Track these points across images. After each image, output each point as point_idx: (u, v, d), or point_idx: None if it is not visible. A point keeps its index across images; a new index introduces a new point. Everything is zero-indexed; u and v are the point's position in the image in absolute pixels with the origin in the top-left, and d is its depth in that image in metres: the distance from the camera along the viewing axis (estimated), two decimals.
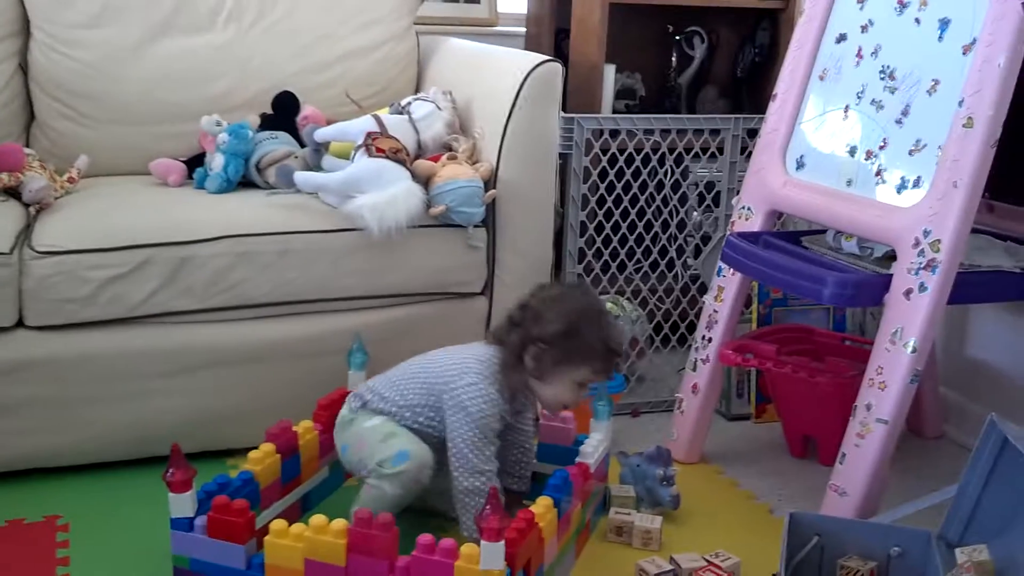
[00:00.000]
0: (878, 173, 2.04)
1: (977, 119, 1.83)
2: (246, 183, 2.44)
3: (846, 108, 2.15)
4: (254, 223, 2.17)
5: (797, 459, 2.41)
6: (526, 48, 3.14)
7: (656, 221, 2.67)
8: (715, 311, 2.32)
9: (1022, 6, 1.79)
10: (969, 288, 1.97)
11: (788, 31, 2.88)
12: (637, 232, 2.63)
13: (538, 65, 2.29)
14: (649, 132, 2.58)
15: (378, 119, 2.35)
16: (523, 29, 3.24)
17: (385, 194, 2.16)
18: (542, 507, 1.74)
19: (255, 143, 2.45)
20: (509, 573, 1.59)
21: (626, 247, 2.62)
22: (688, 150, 2.64)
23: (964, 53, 1.90)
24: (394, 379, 1.92)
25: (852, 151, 2.11)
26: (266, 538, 1.65)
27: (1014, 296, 2.10)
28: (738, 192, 2.40)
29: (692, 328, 2.55)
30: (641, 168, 2.59)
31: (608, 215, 2.61)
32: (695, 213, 2.79)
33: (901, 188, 1.97)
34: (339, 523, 1.62)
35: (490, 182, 2.32)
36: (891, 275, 1.93)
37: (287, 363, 2.20)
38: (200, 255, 2.10)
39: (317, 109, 2.58)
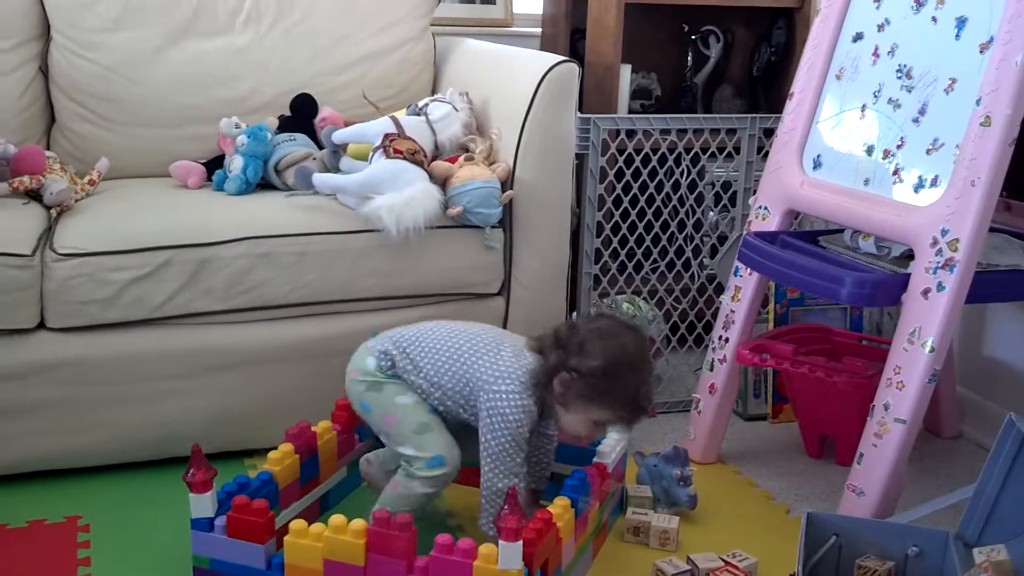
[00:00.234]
0: (895, 172, 2.03)
1: (995, 118, 1.82)
2: (265, 185, 2.46)
3: (863, 107, 2.15)
4: (273, 225, 2.19)
5: (814, 459, 2.40)
6: (542, 48, 3.15)
7: (672, 221, 2.67)
8: (732, 311, 2.32)
9: None
10: (987, 287, 1.96)
11: (804, 30, 2.88)
12: (653, 232, 2.63)
13: (555, 66, 2.29)
14: (665, 132, 2.58)
15: (395, 120, 2.36)
16: (539, 30, 3.25)
17: (403, 195, 2.17)
18: (560, 507, 1.75)
19: (274, 145, 2.46)
20: (527, 573, 1.60)
21: (642, 247, 2.63)
22: (704, 150, 2.64)
23: (981, 52, 1.89)
24: (430, 348, 1.86)
25: (869, 150, 2.11)
26: (286, 538, 1.66)
27: None
28: (755, 192, 2.40)
29: (708, 328, 2.56)
30: (657, 168, 2.59)
31: (624, 215, 2.61)
32: (711, 213, 2.79)
33: (919, 187, 1.97)
34: (358, 523, 1.63)
35: (507, 183, 2.33)
36: (909, 274, 1.92)
37: (306, 364, 2.21)
38: (220, 257, 2.12)
39: (335, 111, 2.60)
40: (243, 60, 2.66)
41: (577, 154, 2.45)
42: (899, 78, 2.07)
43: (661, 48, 3.18)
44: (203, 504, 1.73)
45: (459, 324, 1.93)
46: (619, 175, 2.59)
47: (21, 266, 2.01)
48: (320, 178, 2.31)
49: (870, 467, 1.93)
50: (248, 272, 2.14)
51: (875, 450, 1.92)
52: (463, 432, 1.87)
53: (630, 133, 2.58)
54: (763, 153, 2.58)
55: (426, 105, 2.45)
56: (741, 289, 2.31)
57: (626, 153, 2.57)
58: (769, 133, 2.55)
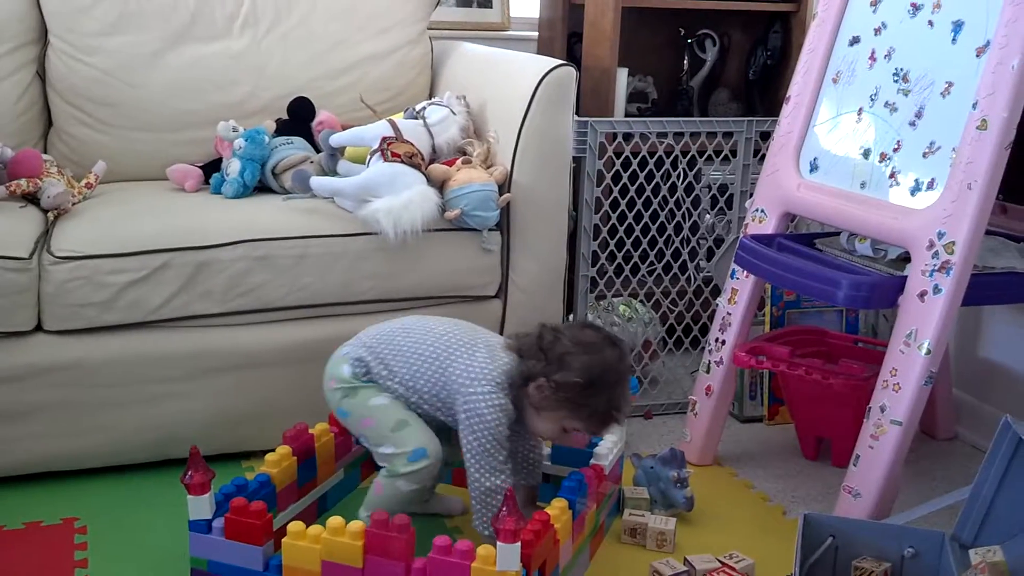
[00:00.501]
0: (892, 175, 2.04)
1: (991, 121, 1.83)
2: (262, 188, 2.46)
3: (860, 111, 2.16)
4: (271, 228, 2.19)
5: (810, 461, 2.41)
6: (538, 52, 3.16)
7: (669, 224, 2.67)
8: (729, 313, 2.32)
9: None
10: (983, 290, 1.97)
11: (800, 34, 2.89)
12: (650, 235, 2.64)
13: (552, 69, 2.30)
14: (662, 135, 2.59)
15: (393, 124, 2.36)
16: (535, 33, 3.25)
17: (400, 198, 2.17)
18: (557, 509, 1.75)
19: (271, 148, 2.46)
20: (525, 574, 1.60)
21: (639, 250, 2.63)
22: (701, 153, 2.64)
23: (978, 55, 1.90)
24: (404, 352, 1.86)
25: (866, 153, 2.11)
26: (284, 540, 1.66)
27: None
28: (751, 194, 2.41)
29: (704, 330, 2.56)
30: (654, 171, 2.60)
31: (621, 218, 2.62)
32: (708, 216, 2.79)
33: (915, 190, 1.98)
34: (356, 525, 1.64)
35: (504, 186, 2.33)
36: (905, 277, 1.93)
37: (304, 366, 2.21)
38: (218, 259, 2.12)
39: (332, 114, 2.60)
40: (240, 64, 2.66)
41: (574, 157, 2.46)
42: (896, 82, 2.08)
43: (657, 52, 3.19)
44: (201, 506, 1.73)
45: (432, 322, 1.92)
46: (616, 178, 2.60)
47: (18, 269, 2.01)
48: (318, 181, 2.32)
49: (866, 469, 1.93)
50: (246, 275, 2.15)
51: (871, 452, 1.93)
52: (442, 434, 1.88)
53: (627, 136, 2.59)
54: (759, 156, 2.58)
55: (423, 108, 2.46)
56: (737, 291, 2.31)
57: (623, 156, 2.57)
58: (765, 136, 2.55)
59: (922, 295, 1.88)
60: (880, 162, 2.08)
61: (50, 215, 2.24)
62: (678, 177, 2.65)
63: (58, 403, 2.09)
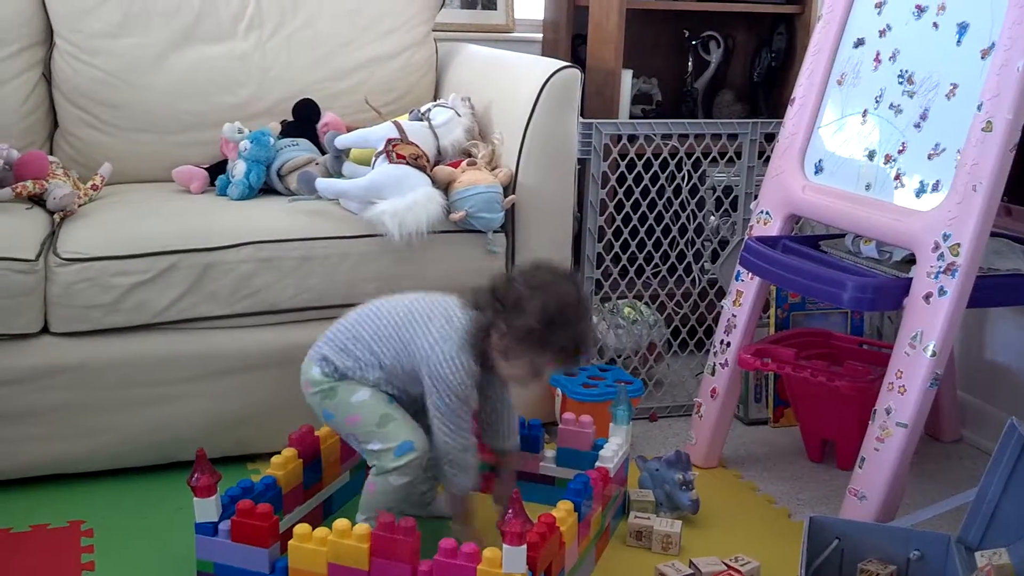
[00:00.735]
0: (897, 177, 2.04)
1: (996, 123, 1.83)
2: (268, 190, 2.47)
3: (864, 112, 2.16)
4: (276, 229, 2.19)
5: (815, 463, 2.41)
6: (543, 54, 3.16)
7: (674, 225, 2.67)
8: (734, 315, 2.32)
9: None
10: (988, 292, 1.97)
11: (804, 36, 2.89)
12: (655, 236, 2.64)
13: (557, 71, 2.30)
14: (667, 137, 2.59)
15: (398, 125, 2.37)
16: (540, 35, 3.26)
17: (406, 200, 2.17)
18: (563, 511, 1.75)
19: (276, 150, 2.47)
20: None
21: (644, 251, 2.63)
22: (705, 154, 2.64)
23: (982, 57, 1.90)
24: (364, 336, 1.85)
25: (871, 155, 2.11)
26: (290, 542, 1.67)
27: None
28: (756, 196, 2.41)
29: (709, 332, 2.56)
30: (659, 173, 2.60)
31: (626, 220, 2.62)
32: (712, 217, 2.79)
33: (920, 192, 1.98)
34: (362, 527, 1.64)
35: (509, 187, 2.33)
36: (910, 279, 1.93)
37: None
38: (224, 261, 2.13)
39: (337, 116, 2.61)
40: (246, 65, 2.67)
41: (579, 159, 2.46)
42: (900, 83, 2.08)
43: (662, 53, 3.19)
44: (207, 508, 1.73)
45: (391, 301, 1.91)
46: (621, 180, 2.60)
47: (25, 271, 2.02)
48: (323, 183, 2.32)
49: (872, 471, 1.93)
50: (251, 277, 2.15)
51: (877, 454, 1.93)
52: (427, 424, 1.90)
53: (632, 138, 2.59)
54: (764, 158, 2.58)
55: (428, 110, 2.46)
56: (743, 293, 2.31)
57: (628, 158, 2.57)
58: (770, 138, 2.56)
59: (927, 297, 1.88)
60: (885, 164, 2.08)
61: (56, 217, 2.24)
62: (683, 179, 2.65)
63: (64, 405, 2.09)
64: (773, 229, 2.27)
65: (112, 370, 2.10)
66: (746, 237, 2.29)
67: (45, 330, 2.08)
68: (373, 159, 2.31)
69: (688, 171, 2.64)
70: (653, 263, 2.66)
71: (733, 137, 2.63)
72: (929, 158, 1.98)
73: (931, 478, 2.33)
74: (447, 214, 2.24)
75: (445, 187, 2.28)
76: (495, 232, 2.31)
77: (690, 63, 3.16)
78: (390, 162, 2.24)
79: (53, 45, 2.58)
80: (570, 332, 1.78)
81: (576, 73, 2.33)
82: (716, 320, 2.41)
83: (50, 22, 2.58)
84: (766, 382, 2.62)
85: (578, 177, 2.48)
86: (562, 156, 2.36)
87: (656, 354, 2.69)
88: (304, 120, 2.60)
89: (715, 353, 2.36)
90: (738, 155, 2.64)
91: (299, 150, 2.49)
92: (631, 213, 2.60)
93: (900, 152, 2.05)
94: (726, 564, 1.88)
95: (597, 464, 1.97)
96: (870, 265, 2.08)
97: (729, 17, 3.11)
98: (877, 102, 2.13)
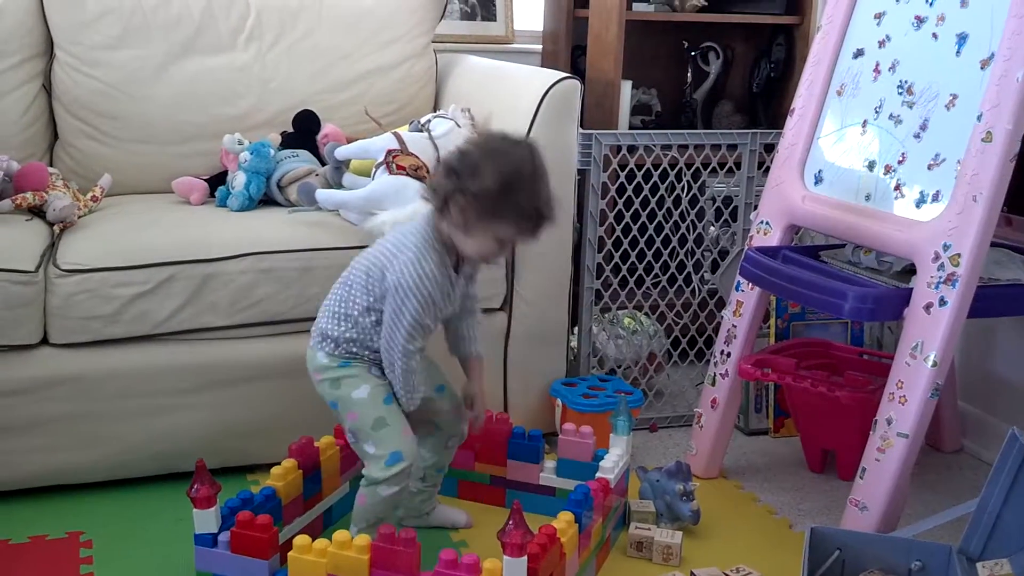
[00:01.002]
0: (897, 187, 2.04)
1: (996, 133, 1.83)
2: (268, 201, 2.47)
3: (864, 123, 2.16)
4: (276, 240, 2.20)
5: (816, 474, 2.41)
6: (543, 65, 3.17)
7: (673, 236, 2.67)
8: (734, 325, 2.32)
9: None
10: (988, 302, 1.97)
11: (804, 46, 2.90)
12: (655, 247, 2.64)
13: (557, 82, 2.30)
14: (666, 147, 2.59)
15: (398, 137, 2.37)
16: (539, 46, 3.26)
17: (406, 211, 2.17)
18: (563, 522, 1.75)
19: (276, 161, 2.47)
20: None
21: (644, 262, 2.63)
22: (705, 165, 2.65)
23: (982, 68, 1.90)
24: (355, 293, 1.83)
25: (871, 166, 2.12)
26: (290, 554, 1.66)
27: None
28: (756, 207, 2.41)
29: (709, 343, 2.56)
30: (659, 183, 2.60)
31: (626, 230, 2.62)
32: (712, 228, 2.80)
33: (920, 202, 1.98)
34: (362, 539, 1.64)
35: None
36: (911, 289, 1.93)
37: (309, 379, 2.20)
38: (223, 272, 2.13)
39: (337, 127, 2.61)
40: (245, 77, 2.67)
41: (579, 170, 2.46)
42: (900, 94, 2.09)
43: (661, 64, 3.20)
44: (207, 519, 1.73)
45: (363, 252, 1.89)
46: (620, 190, 2.60)
47: (24, 282, 2.02)
48: (323, 194, 2.32)
49: (873, 482, 1.93)
50: (251, 288, 2.15)
51: (878, 465, 1.92)
52: (424, 430, 1.91)
53: (631, 149, 2.59)
54: (764, 168, 2.59)
55: (428, 121, 2.46)
56: (743, 304, 2.31)
57: (627, 169, 2.57)
58: (770, 148, 2.56)
59: (928, 307, 1.88)
60: (885, 174, 2.08)
61: (56, 228, 2.24)
62: (682, 189, 2.65)
63: (64, 416, 2.09)
64: (773, 239, 2.27)
65: (112, 381, 2.10)
66: (746, 247, 2.29)
67: (45, 341, 2.08)
68: (373, 170, 2.31)
69: (688, 181, 2.65)
70: (653, 273, 2.66)
71: (733, 147, 2.64)
72: (929, 168, 1.98)
73: (932, 488, 2.33)
74: None
75: None
76: None
77: (689, 74, 3.16)
78: (390, 173, 2.24)
79: (53, 57, 2.59)
80: (528, 194, 1.74)
81: (576, 84, 2.33)
82: (716, 330, 2.41)
83: (50, 34, 2.58)
84: (766, 392, 2.62)
85: (578, 188, 2.48)
86: (562, 167, 2.36)
87: (656, 364, 2.69)
88: (304, 131, 2.60)
89: (715, 363, 2.35)
90: (738, 165, 2.65)
91: (299, 161, 2.49)
92: (631, 224, 2.60)
93: (900, 162, 2.05)
94: (727, 575, 1.88)
95: (597, 475, 1.97)
96: (870, 275, 2.08)
97: (728, 28, 3.12)
98: (877, 112, 2.13)
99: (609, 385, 2.45)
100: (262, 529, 1.70)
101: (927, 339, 1.87)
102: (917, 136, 2.02)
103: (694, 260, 2.72)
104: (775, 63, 3.05)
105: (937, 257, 1.88)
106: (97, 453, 2.13)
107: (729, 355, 2.32)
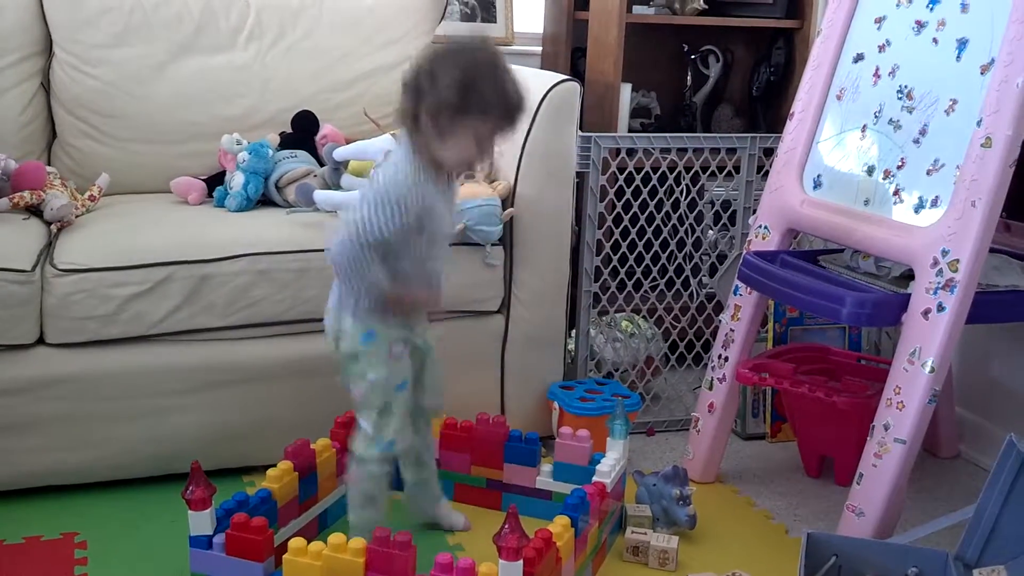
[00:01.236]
0: (896, 192, 2.04)
1: (996, 139, 1.83)
2: (266, 201, 2.47)
3: (863, 128, 2.16)
4: (274, 241, 2.19)
5: (813, 479, 2.40)
6: (542, 67, 3.16)
7: (672, 239, 2.67)
8: (732, 330, 2.32)
9: None
10: (986, 308, 1.96)
11: (804, 50, 2.90)
12: (653, 250, 2.63)
13: (556, 84, 2.30)
14: (665, 151, 2.58)
15: (397, 138, 2.36)
16: (539, 48, 3.26)
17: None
18: (559, 526, 1.74)
19: (275, 162, 2.47)
20: None
21: (642, 265, 2.63)
22: (704, 169, 2.64)
23: (982, 73, 1.90)
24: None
25: (870, 170, 2.11)
26: (285, 556, 1.66)
27: None
28: (754, 211, 2.41)
29: (707, 347, 2.56)
30: (657, 186, 2.60)
31: (624, 233, 2.62)
32: (711, 231, 2.79)
33: (919, 208, 1.98)
34: (358, 541, 1.63)
35: (508, 200, 2.33)
36: (909, 294, 1.93)
37: (305, 381, 2.21)
38: (220, 273, 2.12)
39: (336, 128, 2.61)
40: (245, 77, 2.67)
41: (577, 172, 2.46)
42: (900, 99, 2.08)
43: (661, 67, 3.20)
44: (202, 521, 1.73)
45: None
46: (619, 193, 2.60)
47: (21, 281, 2.01)
48: (321, 195, 2.32)
49: (870, 487, 1.93)
50: (248, 288, 2.14)
51: (875, 470, 1.92)
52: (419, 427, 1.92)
53: (630, 151, 2.59)
54: (763, 172, 2.58)
55: None
56: (740, 308, 2.31)
57: (626, 172, 2.57)
58: (769, 152, 2.55)
59: (926, 313, 1.88)
60: (884, 179, 2.07)
61: (53, 227, 2.23)
62: (681, 193, 2.65)
63: (59, 416, 2.08)
64: (771, 243, 2.27)
65: (108, 381, 2.10)
66: (744, 251, 2.29)
67: (41, 341, 2.07)
68: (371, 171, 2.30)
69: (687, 185, 2.64)
70: (651, 277, 2.66)
71: (732, 151, 2.63)
72: (928, 174, 1.98)
73: (929, 494, 2.33)
74: None
75: None
76: (493, 245, 2.31)
77: (689, 77, 3.16)
78: None
79: (52, 55, 2.58)
80: (490, 82, 1.73)
81: (575, 87, 2.33)
82: (714, 334, 2.41)
83: (49, 32, 2.58)
84: (764, 397, 2.62)
85: (576, 190, 2.48)
86: (561, 169, 2.36)
87: (653, 368, 2.69)
88: (303, 132, 2.60)
89: (713, 368, 2.35)
90: (737, 169, 2.64)
91: (297, 162, 2.49)
92: (629, 227, 2.60)
93: (899, 167, 2.05)
94: None
95: (594, 479, 1.97)
96: (868, 280, 2.08)
97: (728, 31, 3.12)
98: (876, 117, 2.13)
99: (606, 389, 2.45)
100: (257, 531, 1.69)
101: (925, 345, 1.87)
102: (916, 141, 2.02)
103: (692, 264, 2.72)
104: (775, 67, 3.04)
105: (936, 263, 1.88)
106: (92, 453, 2.13)
107: (727, 359, 2.31)
